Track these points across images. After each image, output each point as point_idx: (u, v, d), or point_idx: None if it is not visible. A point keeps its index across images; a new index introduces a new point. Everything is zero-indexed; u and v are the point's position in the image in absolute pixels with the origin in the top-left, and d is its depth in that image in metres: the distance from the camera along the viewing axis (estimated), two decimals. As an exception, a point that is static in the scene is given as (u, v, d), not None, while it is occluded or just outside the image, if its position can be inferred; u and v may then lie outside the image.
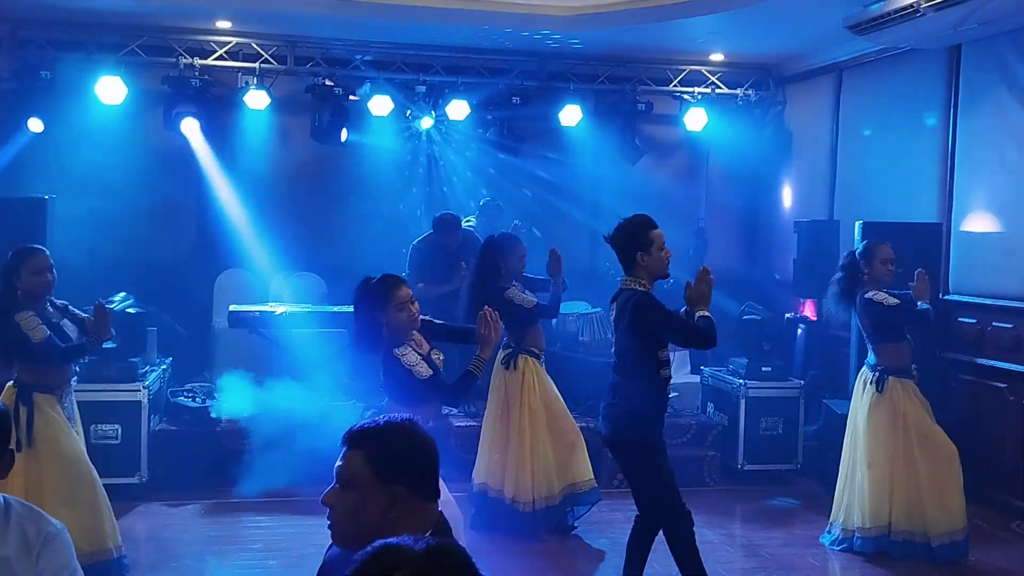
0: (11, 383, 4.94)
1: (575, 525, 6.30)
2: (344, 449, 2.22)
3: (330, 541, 2.35)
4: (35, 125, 8.22)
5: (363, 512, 2.16)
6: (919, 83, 7.82)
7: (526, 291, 6.19)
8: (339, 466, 2.21)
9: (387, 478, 2.16)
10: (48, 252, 5.02)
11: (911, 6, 6.35)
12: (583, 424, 7.31)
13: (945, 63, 7.51)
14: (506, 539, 6.05)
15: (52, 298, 5.07)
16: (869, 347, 6.03)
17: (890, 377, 5.87)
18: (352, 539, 2.12)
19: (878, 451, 5.88)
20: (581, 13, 8.00)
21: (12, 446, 2.77)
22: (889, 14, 6.58)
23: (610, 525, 6.42)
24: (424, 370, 4.35)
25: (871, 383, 5.93)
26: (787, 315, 8.67)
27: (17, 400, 4.81)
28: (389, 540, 1.69)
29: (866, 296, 5.84)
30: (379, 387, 4.72)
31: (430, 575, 1.59)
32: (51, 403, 4.90)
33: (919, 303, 5.78)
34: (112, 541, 5.05)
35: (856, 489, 5.98)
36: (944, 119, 7.55)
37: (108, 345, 5.69)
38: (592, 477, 6.18)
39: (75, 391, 5.22)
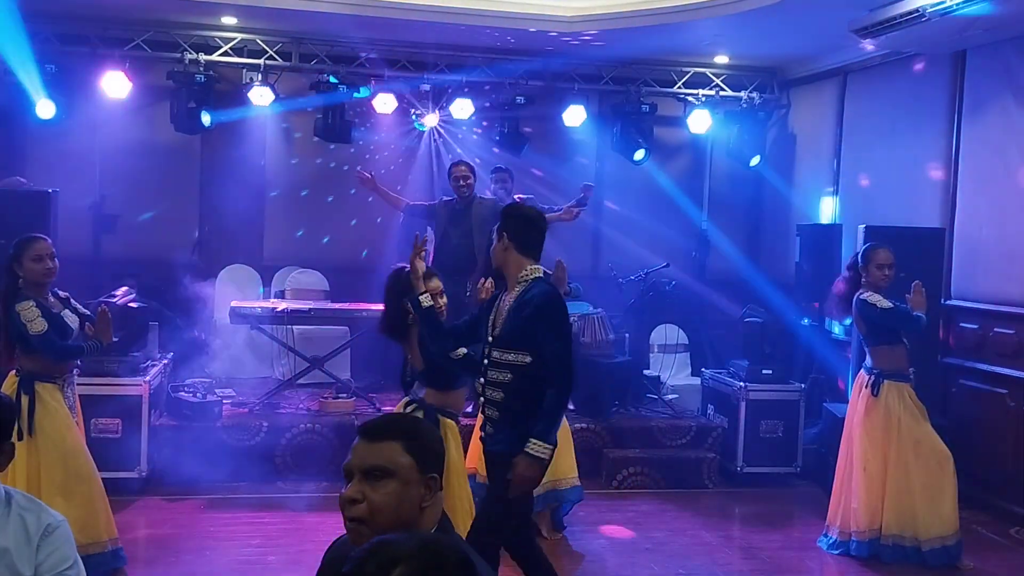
0: (14, 372, 4.95)
1: (564, 525, 6.28)
2: (371, 442, 2.16)
3: (332, 540, 2.34)
4: (45, 110, 8.20)
5: (406, 503, 2.14)
6: (924, 88, 7.82)
7: None
8: (371, 458, 2.14)
9: (424, 467, 2.18)
10: (50, 241, 5.03)
11: (917, 11, 6.34)
12: (581, 425, 7.34)
13: (950, 68, 7.51)
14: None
15: (56, 289, 5.08)
16: (866, 349, 6.04)
17: (885, 381, 5.87)
18: (391, 533, 2.04)
19: (872, 454, 5.87)
20: (587, 15, 8.00)
21: (13, 439, 2.77)
22: (895, 18, 6.57)
23: (608, 525, 6.43)
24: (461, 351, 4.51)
25: (867, 386, 5.94)
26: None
27: (19, 388, 4.81)
28: (385, 536, 1.69)
29: (860, 297, 5.86)
30: (417, 378, 4.73)
31: (428, 570, 1.59)
32: (52, 393, 4.90)
33: (915, 313, 5.78)
34: (107, 534, 5.04)
35: (852, 492, 5.98)
36: (948, 124, 7.54)
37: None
38: (576, 475, 6.15)
39: (76, 384, 5.21)
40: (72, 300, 5.14)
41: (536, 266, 4.24)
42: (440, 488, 2.22)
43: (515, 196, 8.42)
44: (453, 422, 4.66)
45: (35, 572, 2.62)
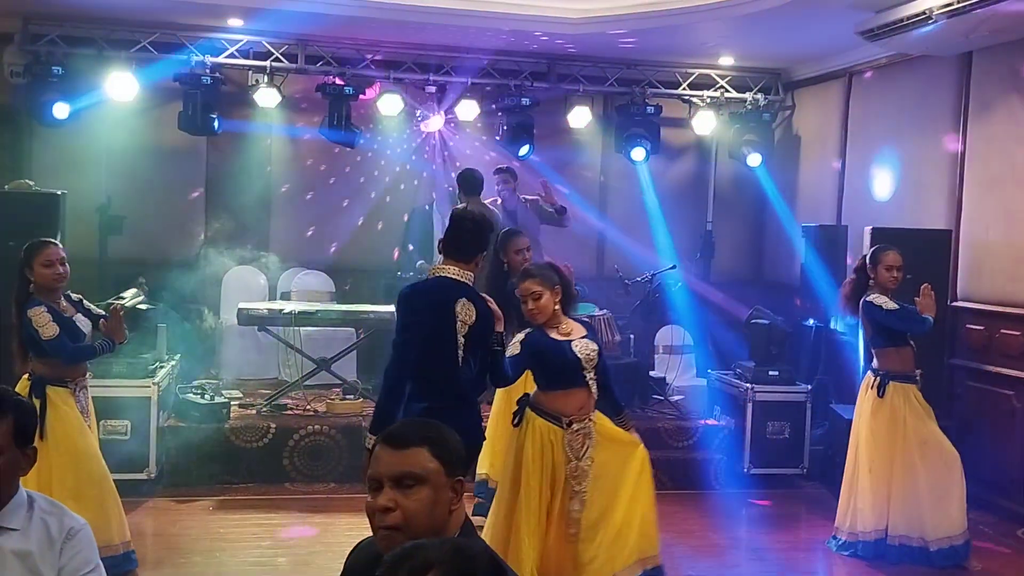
0: (26, 376, 4.96)
1: None
2: (398, 449, 2.17)
3: (341, 541, 2.36)
4: (60, 111, 8.22)
5: (438, 508, 2.16)
6: (929, 89, 7.83)
7: None
8: (400, 466, 2.15)
9: (451, 471, 2.20)
10: (61, 246, 5.05)
11: (923, 13, 6.36)
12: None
13: (956, 70, 7.51)
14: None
15: (68, 292, 5.09)
16: (872, 351, 6.06)
17: (891, 382, 5.88)
18: (426, 537, 2.06)
19: (878, 455, 5.89)
20: (592, 16, 8.01)
21: (35, 443, 2.79)
22: (901, 20, 6.59)
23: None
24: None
25: (872, 387, 5.95)
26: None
27: (30, 392, 4.82)
28: (418, 541, 1.71)
29: (867, 299, 5.88)
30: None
31: (461, 573, 1.61)
32: (64, 397, 4.91)
33: (922, 315, 5.80)
34: (119, 537, 5.06)
35: (859, 493, 6.00)
36: (954, 126, 7.55)
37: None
38: None
39: (89, 387, 5.22)
40: (85, 302, 5.16)
41: (441, 265, 4.38)
42: (464, 492, 2.24)
43: (521, 197, 8.46)
44: (554, 425, 4.61)
45: (57, 575, 2.63)
